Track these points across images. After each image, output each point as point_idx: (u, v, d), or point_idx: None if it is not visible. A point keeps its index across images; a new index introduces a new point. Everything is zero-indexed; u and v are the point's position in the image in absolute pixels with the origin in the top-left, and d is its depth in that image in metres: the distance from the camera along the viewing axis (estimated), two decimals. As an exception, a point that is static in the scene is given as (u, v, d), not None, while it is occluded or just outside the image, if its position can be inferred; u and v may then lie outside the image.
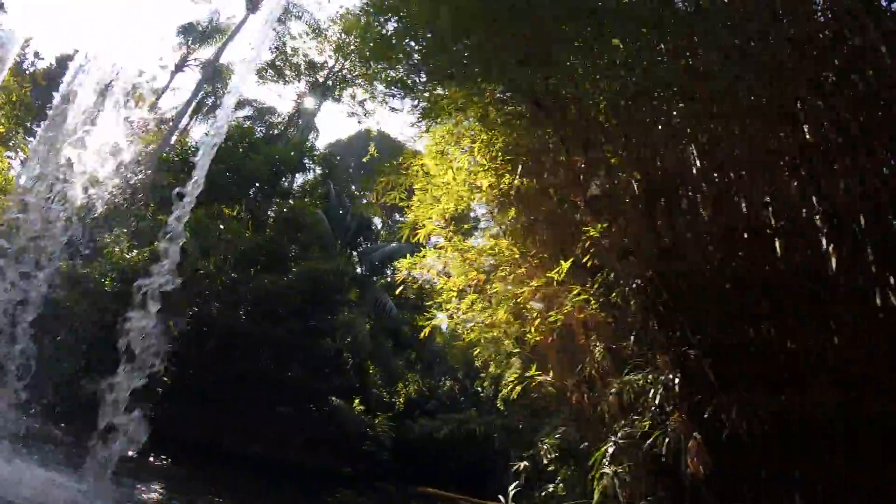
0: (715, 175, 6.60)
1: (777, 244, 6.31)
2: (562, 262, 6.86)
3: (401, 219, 15.91)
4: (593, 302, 6.81)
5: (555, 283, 6.94)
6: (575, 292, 6.78)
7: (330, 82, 30.70)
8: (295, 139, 25.43)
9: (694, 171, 6.69)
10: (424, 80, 7.99)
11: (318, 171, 23.88)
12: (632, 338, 6.80)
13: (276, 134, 29.08)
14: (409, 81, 8.40)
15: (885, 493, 5.98)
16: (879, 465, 5.97)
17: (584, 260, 6.77)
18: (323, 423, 18.29)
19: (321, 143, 39.84)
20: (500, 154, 8.26)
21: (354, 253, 23.09)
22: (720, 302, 6.24)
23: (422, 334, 10.17)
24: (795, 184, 6.47)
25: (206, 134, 27.76)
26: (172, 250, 8.24)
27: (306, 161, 22.71)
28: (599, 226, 6.46)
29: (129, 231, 21.62)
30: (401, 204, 9.57)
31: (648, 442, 6.58)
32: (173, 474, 16.62)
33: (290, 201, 21.20)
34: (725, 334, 6.14)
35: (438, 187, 8.65)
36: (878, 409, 5.78)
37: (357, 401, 19.72)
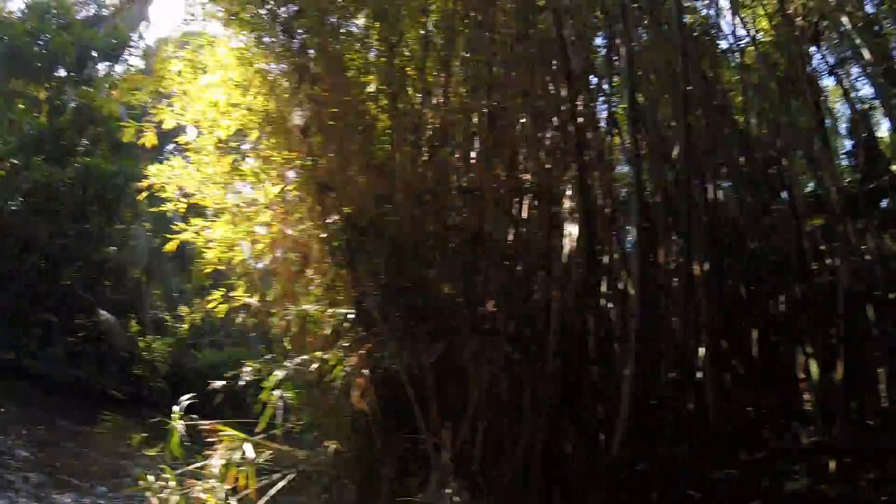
0: (422, 130, 7.32)
1: (466, 206, 7.17)
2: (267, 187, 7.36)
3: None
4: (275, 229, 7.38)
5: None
6: (265, 216, 7.33)
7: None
8: (118, 26, 24.06)
9: (407, 123, 7.37)
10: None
11: (143, 65, 22.81)
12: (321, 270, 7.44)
13: (104, 16, 27.29)
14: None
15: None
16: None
17: (290, 189, 7.28)
18: (92, 339, 17.95)
19: (151, 36, 37.46)
20: (254, 76, 8.55)
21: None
22: (405, 250, 6.99)
23: (167, 247, 10.32)
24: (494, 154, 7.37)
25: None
26: None
27: (125, 51, 21.65)
28: (284, 153, 7.00)
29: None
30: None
31: (330, 375, 7.34)
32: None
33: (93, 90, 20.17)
34: (402, 280, 6.90)
35: (185, 96, 8.80)
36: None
37: (134, 321, 19.43)
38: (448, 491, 6.28)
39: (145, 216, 18.74)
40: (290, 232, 7.99)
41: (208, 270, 9.65)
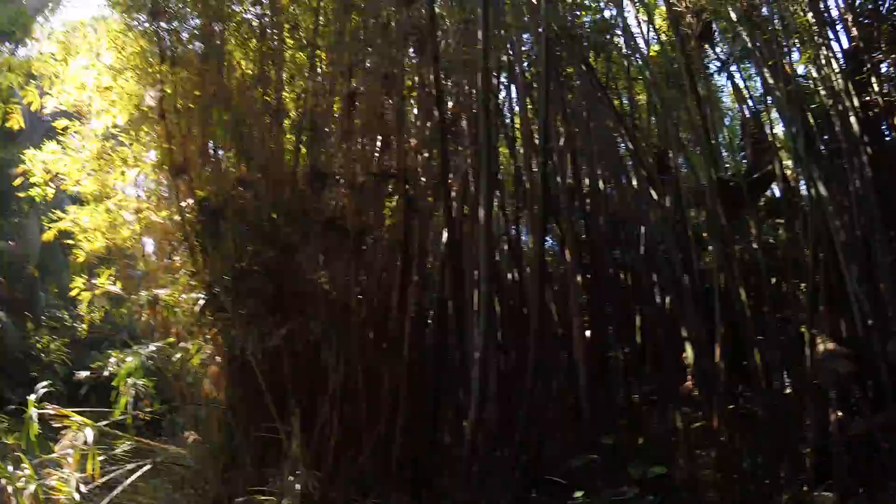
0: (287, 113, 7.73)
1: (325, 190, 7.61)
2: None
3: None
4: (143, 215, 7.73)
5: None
6: (134, 202, 7.66)
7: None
8: (23, 7, 23.73)
9: (272, 105, 7.78)
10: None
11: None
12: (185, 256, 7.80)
13: (10, -6, 26.84)
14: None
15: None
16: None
17: (151, 173, 7.64)
18: (-16, 339, 17.78)
19: (60, 19, 36.78)
20: (127, 59, 8.83)
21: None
22: (260, 234, 7.38)
23: (45, 236, 10.51)
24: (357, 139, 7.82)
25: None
26: None
27: (28, 34, 21.35)
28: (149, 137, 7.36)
29: None
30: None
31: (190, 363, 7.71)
32: None
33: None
34: (255, 265, 7.29)
35: (57, 79, 9.04)
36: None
37: (29, 322, 19.28)
38: (291, 478, 6.62)
39: (40, 207, 18.52)
40: (155, 218, 8.34)
41: (81, 259, 9.90)
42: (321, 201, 7.54)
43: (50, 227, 9.72)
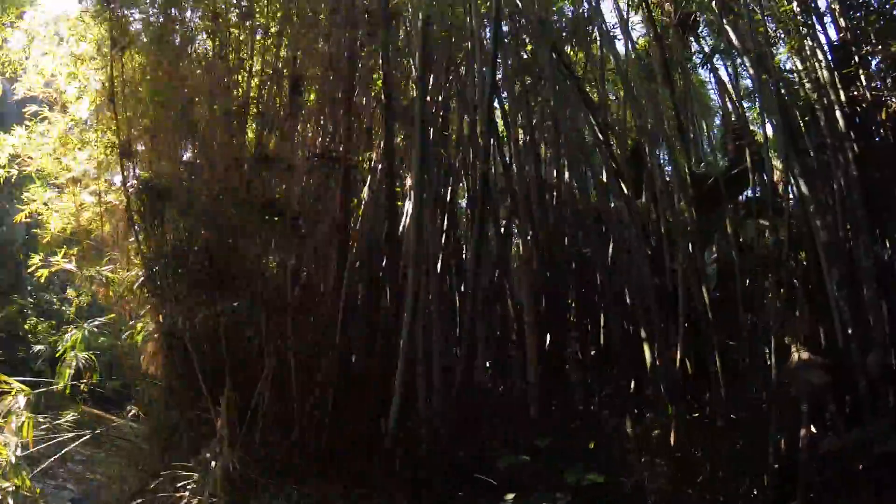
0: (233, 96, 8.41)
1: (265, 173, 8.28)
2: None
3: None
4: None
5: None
6: (77, 179, 8.42)
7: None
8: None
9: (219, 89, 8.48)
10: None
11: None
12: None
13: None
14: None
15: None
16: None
17: (103, 156, 8.43)
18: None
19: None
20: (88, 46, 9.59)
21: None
22: (200, 215, 8.07)
23: (16, 218, 11.37)
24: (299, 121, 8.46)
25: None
26: None
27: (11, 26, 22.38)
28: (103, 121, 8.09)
29: None
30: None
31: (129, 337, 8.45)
32: None
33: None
34: (194, 245, 7.99)
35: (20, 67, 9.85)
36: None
37: (18, 303, 20.35)
38: (208, 455, 7.24)
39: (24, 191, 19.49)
40: (111, 199, 9.12)
41: (46, 239, 10.70)
42: (263, 184, 8.16)
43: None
